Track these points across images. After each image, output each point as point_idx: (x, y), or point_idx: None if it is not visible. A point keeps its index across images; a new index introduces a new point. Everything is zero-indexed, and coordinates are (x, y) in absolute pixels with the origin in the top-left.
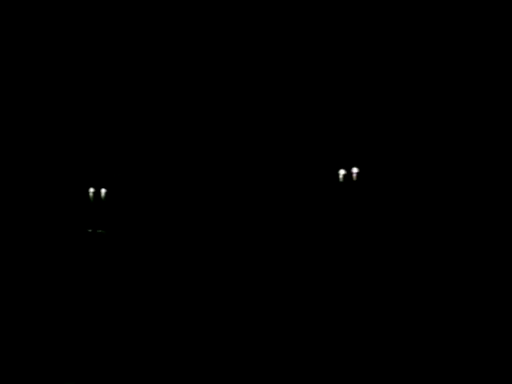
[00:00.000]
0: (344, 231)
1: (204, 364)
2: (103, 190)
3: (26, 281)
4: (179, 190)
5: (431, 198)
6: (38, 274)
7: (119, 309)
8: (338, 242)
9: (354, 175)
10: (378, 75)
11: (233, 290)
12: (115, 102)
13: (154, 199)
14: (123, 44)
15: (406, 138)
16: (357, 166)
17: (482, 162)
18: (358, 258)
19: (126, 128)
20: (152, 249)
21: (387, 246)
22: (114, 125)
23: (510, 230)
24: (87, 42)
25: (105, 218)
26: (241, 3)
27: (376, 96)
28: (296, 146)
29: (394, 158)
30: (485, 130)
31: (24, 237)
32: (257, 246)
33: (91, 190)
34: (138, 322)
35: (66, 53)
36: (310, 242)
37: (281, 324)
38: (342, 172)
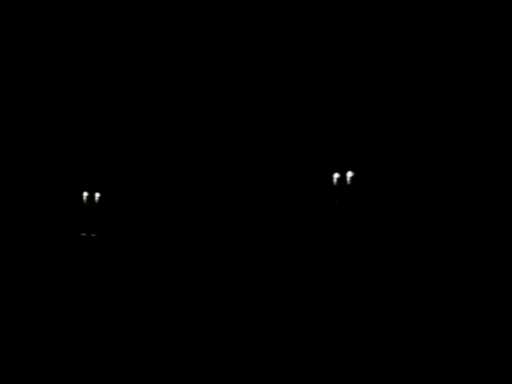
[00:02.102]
0: (338, 235)
1: (204, 364)
2: (97, 194)
3: (18, 284)
4: (174, 194)
5: (427, 201)
6: (31, 278)
7: (114, 312)
8: (332, 245)
9: (349, 179)
10: (374, 78)
11: (227, 296)
12: (109, 107)
13: (148, 203)
14: (114, 50)
15: (402, 141)
16: (351, 170)
17: (480, 168)
18: (352, 262)
19: (120, 132)
20: (147, 253)
21: (382, 249)
22: (107, 129)
23: (509, 239)
24: (77, 47)
25: (98, 222)
26: (241, 3)
27: (371, 100)
28: (290, 148)
29: (390, 161)
30: (481, 136)
31: (16, 240)
32: (249, 252)
33: (85, 194)
34: (133, 326)
35: (52, 63)
36: (304, 245)
37: (275, 327)
38: (335, 176)
